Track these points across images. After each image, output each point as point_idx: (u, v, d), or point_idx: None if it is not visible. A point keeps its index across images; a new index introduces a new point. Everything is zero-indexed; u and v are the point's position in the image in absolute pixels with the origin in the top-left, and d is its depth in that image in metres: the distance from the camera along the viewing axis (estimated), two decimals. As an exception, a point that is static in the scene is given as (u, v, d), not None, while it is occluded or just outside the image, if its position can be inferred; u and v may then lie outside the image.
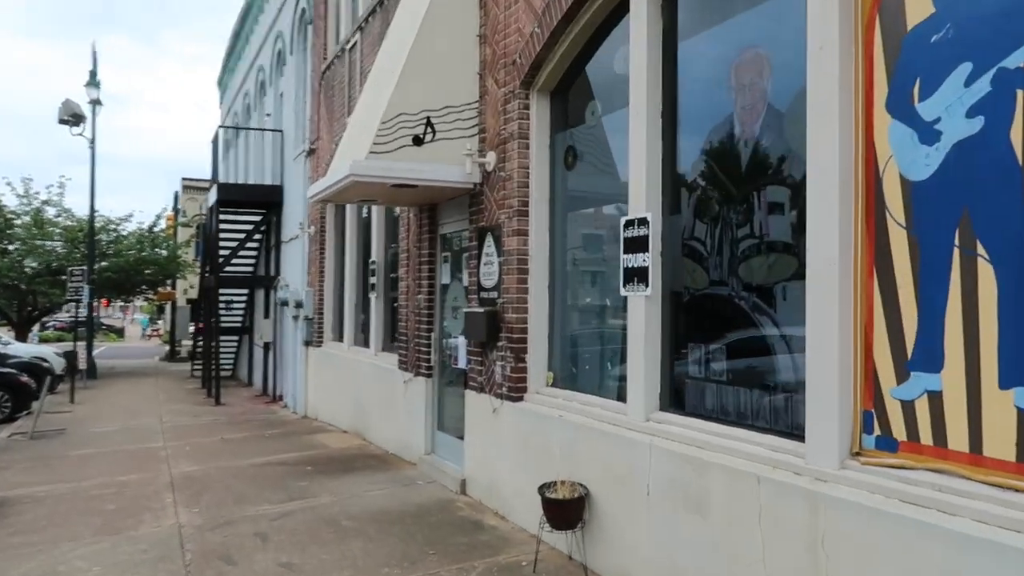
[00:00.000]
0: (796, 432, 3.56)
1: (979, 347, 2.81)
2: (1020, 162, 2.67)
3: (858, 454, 3.23)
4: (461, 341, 6.86)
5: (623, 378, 4.90)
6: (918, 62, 3.04)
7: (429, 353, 7.65)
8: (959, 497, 2.79)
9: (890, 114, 3.15)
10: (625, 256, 4.65)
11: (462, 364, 6.85)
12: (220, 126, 19.51)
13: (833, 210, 3.26)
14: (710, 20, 4.30)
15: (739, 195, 4.01)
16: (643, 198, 4.51)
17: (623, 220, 4.67)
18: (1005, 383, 2.72)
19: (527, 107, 5.87)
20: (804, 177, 3.52)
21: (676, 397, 4.47)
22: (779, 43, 3.78)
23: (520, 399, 5.78)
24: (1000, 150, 2.74)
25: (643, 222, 4.49)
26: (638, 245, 4.53)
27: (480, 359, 6.31)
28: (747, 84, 3.95)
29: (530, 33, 5.65)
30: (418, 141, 6.16)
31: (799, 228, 3.64)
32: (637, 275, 4.54)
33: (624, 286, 4.65)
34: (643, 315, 4.49)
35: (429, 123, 6.18)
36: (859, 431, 3.24)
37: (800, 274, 3.63)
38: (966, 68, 2.86)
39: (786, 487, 3.36)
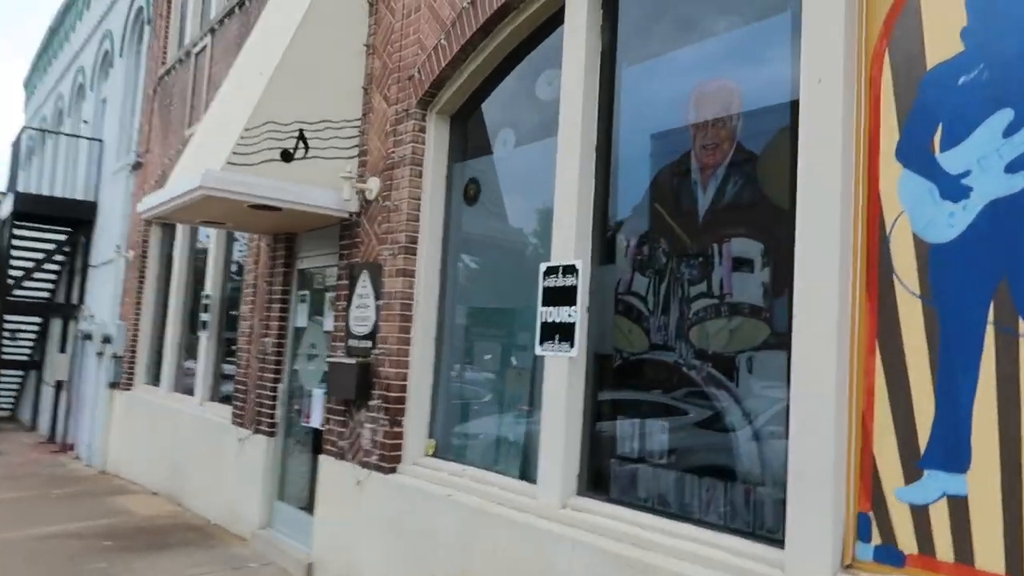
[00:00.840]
0: (767, 535, 2.96)
1: (1021, 446, 2.34)
2: (1079, 229, 2.27)
3: (850, 567, 2.66)
4: (318, 396, 5.83)
5: (530, 453, 4.15)
6: (940, 106, 2.62)
7: (274, 407, 6.49)
8: (999, 631, 2.27)
9: (902, 164, 2.70)
10: (544, 309, 3.95)
11: (316, 423, 5.81)
12: (26, 127, 17.00)
13: (832, 274, 2.74)
14: (663, 44, 3.78)
15: (695, 247, 3.44)
16: (571, 243, 3.84)
17: (543, 267, 3.98)
18: (1058, 491, 2.26)
19: (423, 130, 5.09)
20: (784, 231, 3.01)
21: (599, 480, 3.77)
22: (754, 74, 3.30)
23: (393, 470, 4.84)
24: (1052, 213, 2.33)
25: (570, 270, 3.82)
26: (563, 297, 3.84)
27: (343, 419, 5.31)
28: (709, 120, 3.43)
29: (433, 46, 4.91)
30: (287, 156, 5.18)
31: (774, 290, 3.11)
32: (559, 332, 3.84)
33: (541, 344, 3.94)
34: (565, 379, 3.78)
35: (302, 137, 5.23)
36: (852, 538, 2.68)
37: (771, 343, 3.09)
38: (1005, 115, 2.45)
39: (763, 606, 2.73)
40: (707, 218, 3.39)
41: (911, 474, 2.58)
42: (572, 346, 3.76)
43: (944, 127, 2.60)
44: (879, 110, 2.78)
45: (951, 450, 2.49)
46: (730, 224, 3.30)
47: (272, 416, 6.48)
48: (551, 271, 3.93)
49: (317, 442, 5.76)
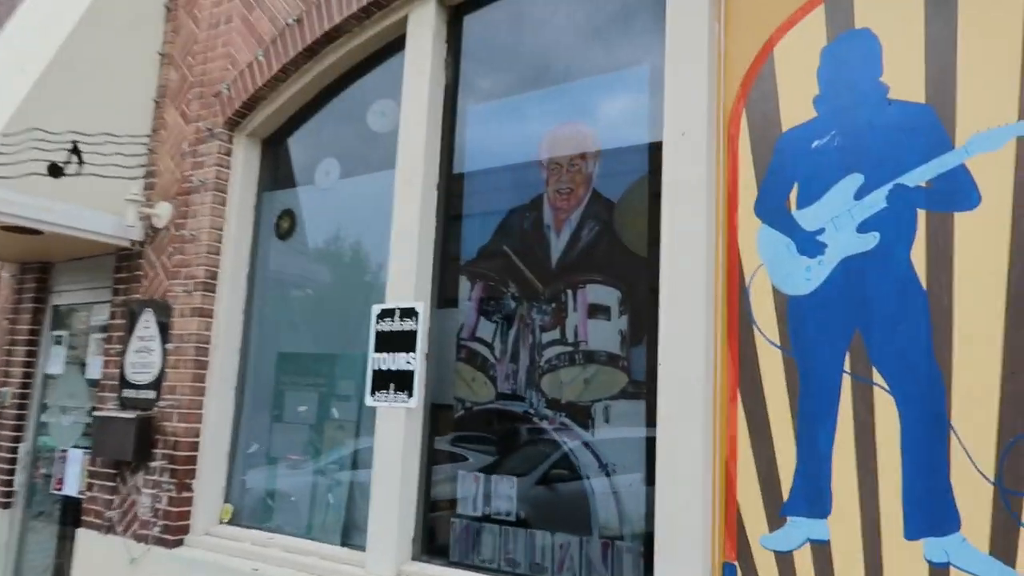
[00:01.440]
0: (630, 591, 2.86)
1: (878, 490, 2.46)
2: (924, 285, 2.47)
3: (718, 619, 2.64)
4: (75, 457, 4.90)
5: (354, 516, 3.75)
6: (795, 166, 2.77)
7: (12, 472, 5.34)
8: (867, 674, 2.33)
9: (760, 218, 2.81)
10: (377, 355, 3.61)
11: (72, 490, 4.86)
12: None
13: (698, 323, 2.76)
14: (513, 86, 3.69)
15: (547, 292, 3.34)
16: (411, 285, 3.57)
17: (376, 309, 3.66)
18: (912, 533, 2.39)
19: (229, 153, 4.55)
20: (642, 278, 3.01)
21: (437, 543, 3.47)
22: (610, 122, 3.30)
23: (180, 543, 4.13)
24: (900, 271, 2.51)
25: (409, 313, 3.54)
26: (399, 342, 3.54)
27: (113, 484, 4.47)
28: (564, 164, 3.38)
29: (248, 63, 4.44)
30: (56, 171, 4.36)
31: (632, 337, 3.08)
32: (395, 380, 3.52)
33: (373, 394, 3.59)
34: (401, 432, 3.46)
35: (76, 150, 4.44)
36: (718, 589, 2.67)
37: (628, 392, 3.05)
38: (856, 179, 2.64)
39: (635, 670, 2.60)
40: (561, 263, 3.32)
41: (775, 521, 2.62)
42: (411, 395, 3.46)
43: (800, 186, 2.75)
44: (737, 166, 2.89)
45: (813, 496, 2.56)
46: (585, 270, 3.25)
47: (10, 483, 5.32)
48: (386, 314, 3.62)
49: (73, 514, 4.81)
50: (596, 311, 3.19)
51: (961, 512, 2.32)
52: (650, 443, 2.98)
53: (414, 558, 3.44)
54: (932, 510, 2.36)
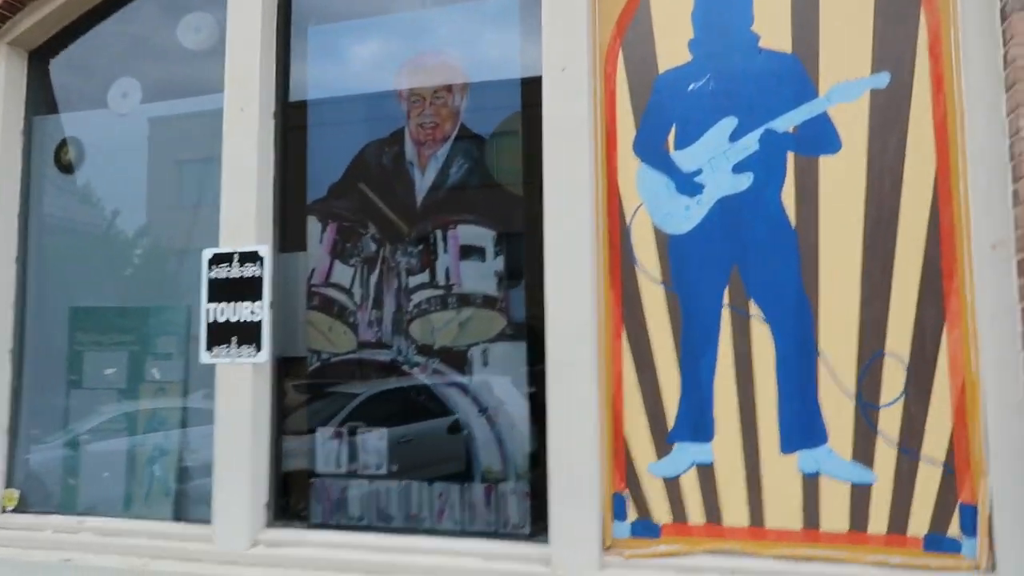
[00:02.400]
0: (518, 532, 2.87)
1: (756, 412, 2.67)
2: (792, 223, 2.68)
3: (610, 547, 2.73)
4: None
5: (187, 487, 3.35)
6: (674, 107, 2.83)
7: None
8: (752, 578, 2.56)
9: (639, 158, 2.85)
10: (212, 306, 3.19)
11: None
12: None
13: (585, 262, 2.76)
14: (363, 4, 3.35)
15: (413, 233, 3.14)
16: (250, 227, 3.17)
17: (208, 254, 3.21)
18: (787, 447, 2.63)
19: (-16, 65, 3.68)
20: (518, 217, 2.95)
21: (293, 506, 3.20)
22: (478, 53, 3.14)
23: (-52, 542, 3.41)
24: (772, 210, 2.70)
25: (251, 258, 3.15)
26: (241, 290, 3.15)
27: None
28: (427, 96, 3.16)
29: (5, -49, 3.58)
30: None
31: (509, 279, 3.02)
32: (238, 333, 3.14)
33: (210, 349, 3.17)
34: (249, 390, 3.10)
35: None
36: (609, 519, 2.75)
37: (508, 335, 3.01)
38: (731, 122, 2.77)
39: (537, 607, 2.61)
40: (427, 202, 3.13)
41: (662, 449, 2.75)
42: (259, 349, 3.11)
43: (677, 127, 2.83)
44: (615, 105, 2.89)
45: (697, 423, 2.72)
46: (456, 210, 3.10)
47: None
48: (221, 259, 3.19)
49: None
50: (469, 252, 3.07)
51: (828, 426, 2.60)
52: (533, 384, 2.98)
53: (268, 525, 3.14)
54: (803, 426, 2.62)
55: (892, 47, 2.64)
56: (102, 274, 3.68)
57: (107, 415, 3.53)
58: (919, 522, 2.51)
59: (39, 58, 3.84)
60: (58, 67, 3.84)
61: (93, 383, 3.55)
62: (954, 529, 2.48)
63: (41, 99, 3.82)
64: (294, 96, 3.34)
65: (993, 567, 2.42)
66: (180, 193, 3.59)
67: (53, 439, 3.60)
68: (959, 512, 2.49)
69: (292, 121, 3.32)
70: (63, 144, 3.75)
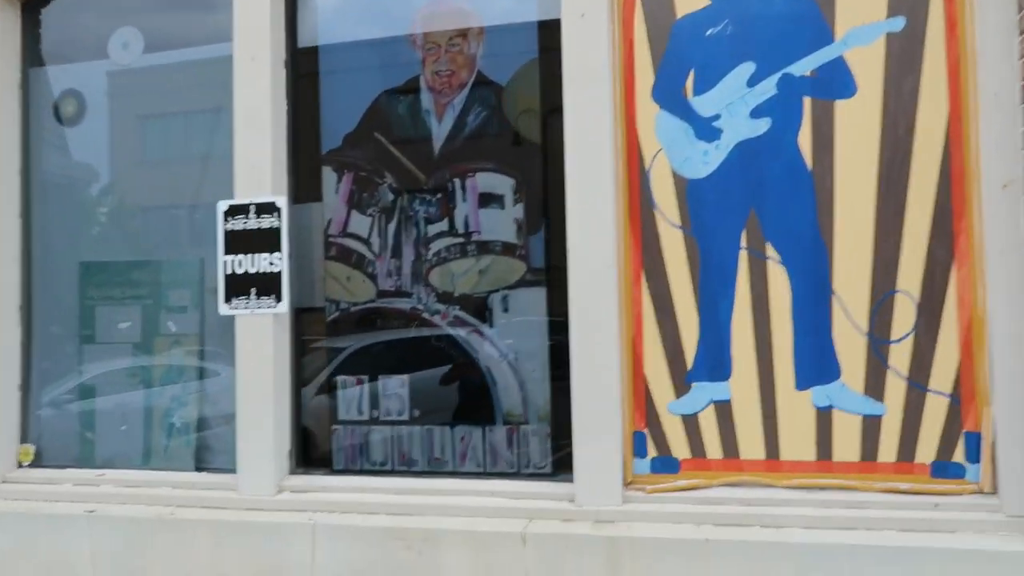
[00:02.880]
0: (554, 475, 2.97)
1: (772, 351, 2.77)
2: (809, 167, 2.74)
3: (631, 483, 2.83)
4: None
5: (207, 437, 3.40)
6: (691, 53, 2.87)
7: None
8: (768, 507, 2.68)
9: (658, 104, 2.89)
10: (229, 258, 3.20)
11: None
12: None
13: (607, 208, 2.81)
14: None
15: (431, 182, 3.16)
16: (266, 177, 3.16)
17: (223, 206, 3.20)
18: (801, 384, 2.74)
19: (-23, 14, 3.58)
20: (536, 165, 2.98)
21: (315, 453, 3.26)
22: (497, 1, 3.13)
23: (-34, 497, 3.43)
24: (789, 153, 2.76)
25: (268, 209, 3.15)
26: (259, 241, 3.16)
27: None
28: (442, 44, 3.15)
29: None
30: None
31: (528, 226, 3.06)
32: (257, 284, 3.16)
33: (228, 301, 3.19)
34: (270, 341, 3.13)
35: None
36: (630, 456, 2.85)
37: (528, 281, 3.06)
38: (749, 67, 2.81)
39: (565, 539, 2.72)
40: (445, 151, 3.15)
41: (681, 388, 2.84)
42: (279, 300, 3.13)
43: (696, 73, 2.86)
44: (633, 51, 2.92)
45: (714, 363, 2.82)
46: (474, 158, 3.12)
47: None
48: (237, 211, 3.19)
49: None
50: (488, 200, 3.10)
51: (841, 362, 2.71)
52: (553, 329, 3.04)
53: (292, 472, 3.21)
54: (817, 363, 2.73)
55: (907, -9, 2.69)
56: (111, 228, 3.65)
57: (122, 369, 3.53)
58: (926, 450, 2.65)
59: (32, 9, 3.74)
60: (54, 18, 3.74)
61: (107, 338, 3.55)
62: (959, 456, 2.62)
63: (38, 51, 3.73)
64: (305, 44, 3.31)
65: (995, 490, 2.57)
66: (189, 144, 3.55)
67: (68, 395, 3.60)
68: (964, 440, 2.62)
69: (304, 70, 3.30)
70: (64, 96, 3.68)
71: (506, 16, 3.12)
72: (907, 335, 2.66)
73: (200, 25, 3.47)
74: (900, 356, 2.66)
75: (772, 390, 2.76)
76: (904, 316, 2.67)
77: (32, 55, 3.71)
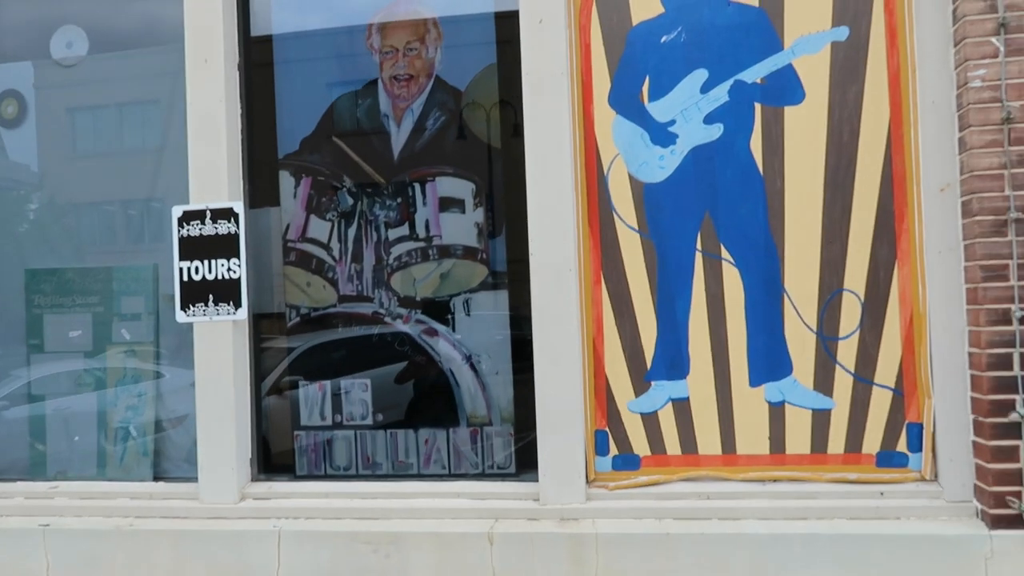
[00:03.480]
0: (518, 474, 3.02)
1: (727, 349, 2.87)
2: (760, 171, 2.84)
3: (593, 481, 2.91)
4: None
5: (165, 447, 3.35)
6: (647, 59, 2.93)
7: None
8: (726, 500, 2.78)
9: (615, 109, 2.95)
10: (185, 264, 3.15)
11: None
12: None
13: (567, 212, 2.87)
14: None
15: (391, 187, 3.16)
16: (223, 182, 3.12)
17: (178, 211, 3.15)
18: (755, 380, 2.85)
19: (-92, 11, 3.43)
20: (496, 169, 3.02)
21: (278, 459, 3.25)
22: (452, 5, 3.14)
23: (-88, 514, 3.31)
24: (741, 159, 2.86)
25: (225, 215, 3.11)
26: (215, 247, 3.12)
27: None
28: (400, 48, 3.15)
29: None
30: None
31: (489, 229, 3.10)
32: (214, 291, 3.12)
33: (185, 308, 3.14)
34: (230, 348, 3.10)
35: None
36: (591, 455, 2.93)
37: (489, 284, 3.10)
38: (702, 74, 2.89)
39: (531, 538, 2.78)
40: (404, 155, 3.15)
41: (640, 387, 2.92)
42: (238, 306, 3.10)
43: (651, 79, 2.93)
44: (590, 57, 2.97)
45: (673, 361, 2.90)
46: (434, 162, 3.13)
47: None
48: (191, 216, 3.14)
49: None
50: (449, 204, 3.12)
51: (792, 359, 2.82)
52: (515, 330, 3.09)
53: (254, 479, 3.19)
54: (770, 360, 2.84)
55: (851, 2, 2.80)
56: (57, 234, 3.55)
57: (73, 379, 3.45)
58: (872, 441, 2.79)
59: (-33, 4, 3.60)
60: (-9, 14, 3.61)
61: (56, 346, 3.46)
62: (902, 446, 2.77)
63: (-25, 48, 3.59)
64: (259, 45, 3.27)
65: (936, 477, 2.72)
66: (136, 147, 3.47)
67: (16, 405, 3.50)
68: (907, 430, 2.77)
69: (259, 73, 3.25)
70: (4, 97, 3.55)
71: (465, 20, 3.13)
72: (853, 332, 2.79)
73: (149, 25, 3.39)
74: (847, 352, 2.79)
75: (728, 387, 2.86)
76: (851, 314, 2.79)
77: (-31, 53, 3.58)
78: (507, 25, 3.01)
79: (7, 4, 3.57)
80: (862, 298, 2.79)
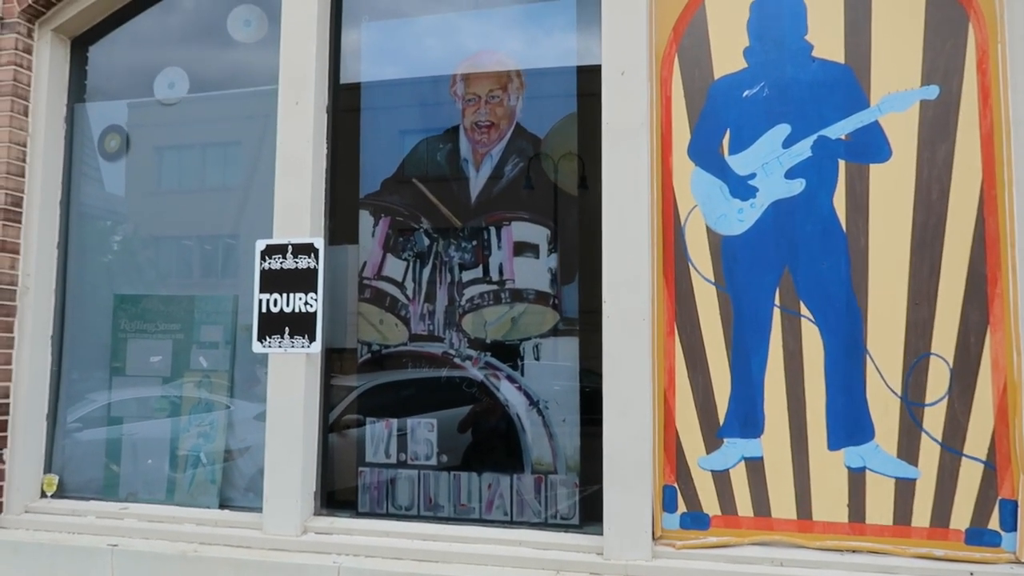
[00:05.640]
0: (582, 526, 2.95)
1: (805, 409, 2.78)
2: (843, 228, 2.78)
3: (660, 537, 2.82)
4: None
5: (232, 475, 3.40)
6: (728, 113, 2.93)
7: None
8: (801, 568, 2.66)
9: (694, 161, 2.95)
10: (264, 296, 3.23)
11: None
12: None
13: (642, 261, 2.85)
14: (420, 3, 3.41)
15: (467, 229, 3.21)
16: (305, 218, 3.22)
17: (261, 245, 3.25)
18: (834, 444, 2.74)
19: (30, 50, 3.68)
20: (572, 216, 3.03)
21: (341, 494, 3.26)
22: (535, 54, 3.21)
23: (-10, 526, 3.43)
24: (823, 215, 2.80)
25: (305, 250, 3.20)
26: (294, 281, 3.20)
27: None
28: (483, 95, 3.23)
29: (55, -62, 3.59)
30: None
31: (562, 276, 3.10)
32: (291, 324, 3.19)
33: (262, 340, 3.21)
34: (302, 381, 3.15)
35: None
36: (659, 510, 2.84)
37: (560, 330, 3.09)
38: (784, 129, 2.87)
39: (594, 594, 2.70)
40: (481, 199, 3.20)
41: (712, 444, 2.84)
42: (312, 340, 3.16)
43: (731, 132, 2.92)
44: (671, 109, 2.98)
45: (747, 419, 2.82)
46: (510, 207, 3.17)
47: None
48: (274, 250, 3.24)
49: None
50: (523, 249, 3.14)
51: (875, 423, 2.71)
52: (585, 379, 3.06)
53: (317, 513, 3.20)
54: (850, 423, 2.73)
55: (941, 61, 2.75)
56: (147, 262, 3.70)
57: (149, 402, 3.55)
58: (961, 516, 2.63)
59: (81, 45, 3.86)
60: (102, 55, 3.86)
61: (137, 370, 3.58)
62: (994, 523, 2.61)
63: (83, 87, 3.84)
64: (347, 91, 3.39)
65: (1030, 559, 2.55)
66: (228, 183, 3.62)
67: (94, 426, 3.62)
68: (999, 507, 2.61)
69: (345, 116, 3.37)
70: (109, 131, 3.76)
71: (546, 70, 3.20)
72: (941, 398, 2.67)
73: (246, 67, 3.56)
74: (934, 419, 2.67)
75: (804, 449, 2.76)
76: (938, 379, 2.67)
77: (78, 90, 3.82)
78: (589, 78, 3.05)
79: (114, 46, 3.81)
80: (951, 363, 2.67)
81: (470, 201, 3.21)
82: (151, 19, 3.80)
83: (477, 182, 3.21)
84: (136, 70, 3.79)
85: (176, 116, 3.69)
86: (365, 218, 3.34)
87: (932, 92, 2.76)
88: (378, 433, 3.23)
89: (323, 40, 3.33)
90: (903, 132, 2.77)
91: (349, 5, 3.45)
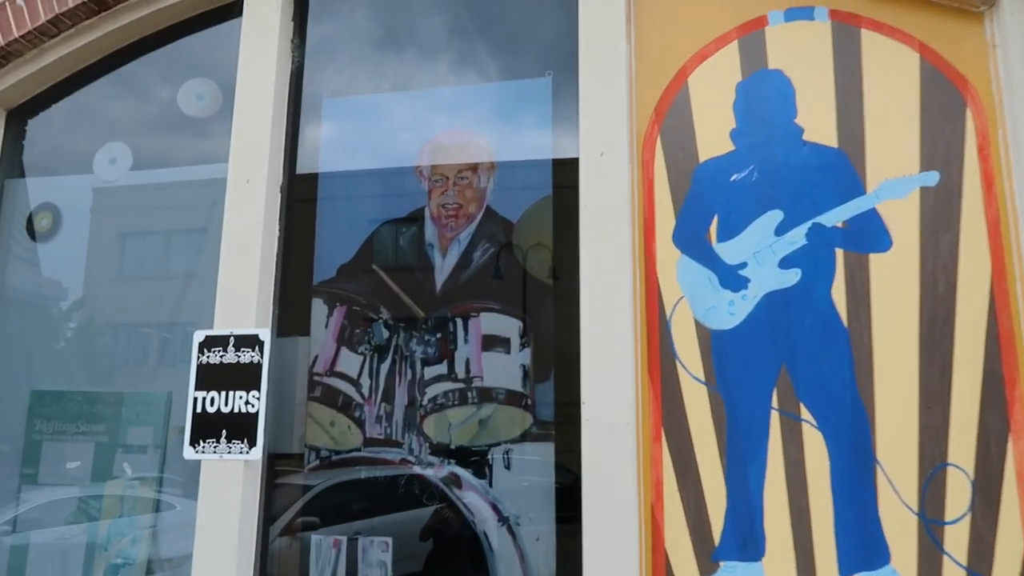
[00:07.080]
0: (547, 660, 2.54)
1: (810, 528, 2.45)
2: (844, 322, 2.54)
3: None
4: None
5: (155, 600, 2.93)
6: (715, 197, 2.72)
7: None
8: None
9: (679, 248, 2.71)
10: (200, 394, 2.87)
11: None
12: None
13: (625, 358, 2.56)
14: (382, 80, 3.20)
15: (431, 322, 2.91)
16: (251, 308, 2.89)
17: (199, 336, 2.91)
18: (846, 569, 2.41)
19: (-42, 122, 3.40)
20: (546, 308, 2.75)
21: (280, 624, 2.82)
22: (507, 135, 3.00)
23: None
24: (822, 307, 2.56)
25: (249, 342, 2.86)
26: (235, 378, 2.84)
27: None
28: (450, 176, 2.99)
29: (-5, 6, 3.36)
30: None
31: (536, 374, 2.79)
32: (228, 426, 2.81)
33: (195, 444, 2.83)
34: (239, 492, 2.76)
35: None
36: (648, 647, 2.46)
37: (534, 435, 2.76)
38: (776, 215, 2.65)
39: None
40: (447, 287, 2.92)
41: (706, 567, 2.49)
42: (252, 445, 2.78)
43: (720, 219, 2.70)
44: (653, 193, 2.76)
45: (746, 539, 2.49)
46: (479, 296, 2.89)
47: None
48: (214, 342, 2.89)
49: None
50: (492, 343, 2.84)
51: (890, 544, 2.39)
52: (561, 491, 2.72)
53: (251, 648, 2.75)
54: (863, 544, 2.41)
55: (940, 145, 2.59)
56: (70, 353, 3.33)
57: (65, 515, 3.10)
58: (992, 653, 2.30)
59: (17, 117, 3.58)
60: (39, 128, 3.58)
61: (51, 478, 3.14)
62: (1030, 661, 2.27)
63: (17, 161, 3.53)
64: (304, 169, 3.14)
65: None
66: (168, 267, 3.29)
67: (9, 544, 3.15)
68: (1034, 642, 2.28)
69: (301, 196, 3.10)
70: (40, 210, 3.44)
71: (519, 151, 2.99)
72: (963, 515, 2.37)
73: (194, 145, 3.31)
74: (957, 539, 2.36)
75: (811, 574, 2.42)
76: (958, 493, 2.38)
77: (11, 164, 3.51)
78: (566, 158, 2.84)
79: (55, 119, 3.54)
80: (971, 475, 2.38)
81: (435, 289, 2.92)
82: (96, 92, 3.54)
83: (443, 269, 2.93)
84: (76, 145, 3.50)
85: (114, 195, 3.39)
86: (319, 307, 3.03)
87: (932, 178, 2.58)
88: (326, 552, 2.82)
89: (279, 114, 3.09)
90: (904, 220, 2.56)
91: (311, 79, 3.23)
